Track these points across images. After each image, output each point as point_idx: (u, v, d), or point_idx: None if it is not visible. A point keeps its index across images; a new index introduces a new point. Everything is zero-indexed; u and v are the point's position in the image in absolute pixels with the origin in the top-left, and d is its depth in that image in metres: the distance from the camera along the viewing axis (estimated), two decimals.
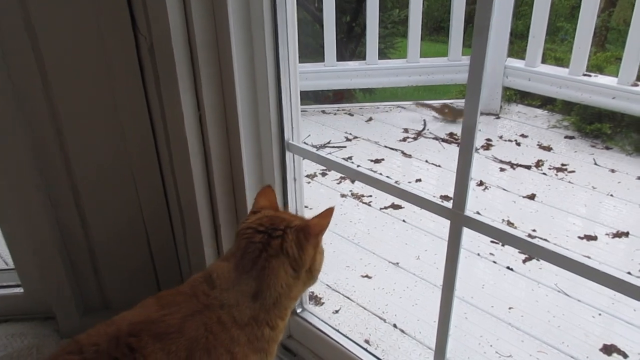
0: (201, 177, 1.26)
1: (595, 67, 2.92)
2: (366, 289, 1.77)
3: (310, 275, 1.06)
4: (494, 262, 1.87)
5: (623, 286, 0.87)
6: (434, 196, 2.23)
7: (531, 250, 1.03)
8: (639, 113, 2.51)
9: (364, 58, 3.07)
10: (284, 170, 1.34)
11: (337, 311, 1.67)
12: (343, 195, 2.27)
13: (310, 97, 3.94)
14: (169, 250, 1.45)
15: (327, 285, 1.77)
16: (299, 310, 1.45)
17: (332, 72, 3.06)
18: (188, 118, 1.19)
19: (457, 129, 2.82)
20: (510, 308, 1.69)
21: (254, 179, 1.31)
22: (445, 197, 2.21)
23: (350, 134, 2.82)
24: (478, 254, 1.91)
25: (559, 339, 1.56)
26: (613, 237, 2.00)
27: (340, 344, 1.36)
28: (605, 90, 2.56)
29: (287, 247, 1.01)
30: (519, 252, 1.89)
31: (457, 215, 1.04)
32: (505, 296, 1.74)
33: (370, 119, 3.03)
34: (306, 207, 2.14)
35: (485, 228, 1.04)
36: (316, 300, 1.69)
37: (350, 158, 2.57)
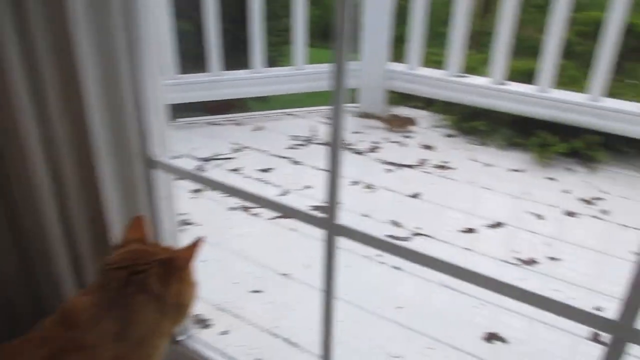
0: (51, 201, 1.13)
1: (472, 68, 3.10)
2: (256, 305, 1.72)
3: (178, 311, 1.00)
4: (382, 262, 1.90)
5: (496, 285, 0.90)
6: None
7: (401, 254, 1.04)
8: (508, 110, 2.68)
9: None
10: (151, 189, 1.25)
11: (225, 332, 1.60)
12: (232, 209, 2.20)
13: (199, 109, 3.82)
14: (22, 289, 1.28)
15: (215, 305, 1.69)
16: (180, 338, 1.37)
17: (219, 82, 2.98)
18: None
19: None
20: (398, 307, 1.72)
21: (118, 201, 1.21)
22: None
23: (239, 144, 2.76)
24: (366, 256, 1.93)
25: (446, 333, 1.61)
26: (489, 228, 2.11)
27: None
28: (478, 89, 2.72)
29: (150, 282, 0.94)
30: None
31: (330, 225, 1.03)
32: (393, 296, 1.77)
33: (260, 127, 2.99)
34: (190, 224, 2.07)
35: (357, 236, 1.04)
36: (202, 323, 1.61)
37: (238, 169, 2.51)
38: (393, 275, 1.86)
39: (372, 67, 2.95)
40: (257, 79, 3.03)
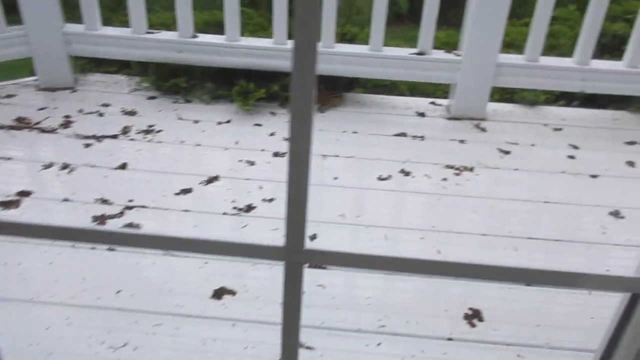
0: None
1: (161, 24, 2.91)
2: None
3: None
4: (93, 248, 1.67)
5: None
6: None
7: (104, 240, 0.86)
8: (203, 62, 2.63)
9: None
10: None
11: None
12: None
13: None
14: None
15: None
16: None
17: None
18: None
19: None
20: (118, 292, 1.54)
21: None
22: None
23: None
24: (73, 246, 1.67)
25: (172, 302, 1.51)
26: (206, 184, 2.05)
27: None
28: (170, 45, 2.58)
29: None
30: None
31: None
32: (110, 282, 1.57)
33: None
34: None
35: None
36: None
37: None
38: (106, 259, 1.65)
39: (42, 32, 2.52)
40: None
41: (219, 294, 1.55)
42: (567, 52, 2.73)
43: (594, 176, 2.19)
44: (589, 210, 2.00)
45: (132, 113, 2.51)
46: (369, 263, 0.75)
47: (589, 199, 2.05)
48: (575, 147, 2.38)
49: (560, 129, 2.53)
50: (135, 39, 2.59)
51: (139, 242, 0.82)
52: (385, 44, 2.60)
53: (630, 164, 2.27)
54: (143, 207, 1.90)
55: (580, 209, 2.01)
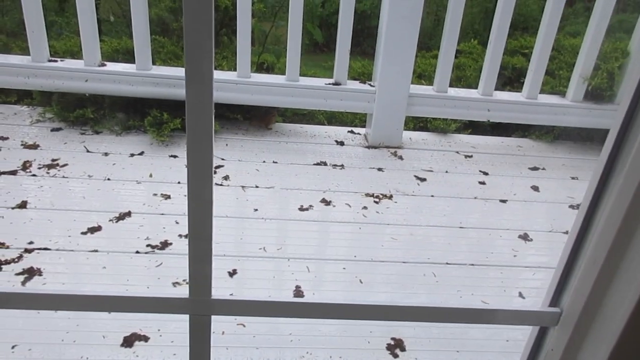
0: None
1: (70, 52, 2.77)
2: None
3: None
4: None
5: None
6: None
7: None
8: (110, 92, 2.51)
9: None
10: None
11: None
12: None
13: None
14: None
15: None
16: None
17: None
18: None
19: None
20: (13, 346, 1.38)
21: None
22: None
23: None
24: None
25: (76, 354, 1.38)
26: (117, 221, 1.93)
27: None
28: (74, 73, 2.44)
29: None
30: None
31: None
32: (4, 335, 1.42)
33: None
34: None
35: None
36: None
37: None
38: None
39: None
40: None
41: (129, 341, 1.44)
42: (473, 84, 2.89)
43: (503, 201, 2.30)
44: (500, 233, 2.08)
45: (33, 146, 2.33)
46: (282, 310, 0.71)
47: (500, 223, 2.14)
48: (485, 174, 2.50)
49: (470, 156, 2.65)
50: (36, 67, 2.43)
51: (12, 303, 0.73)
52: (304, 73, 2.62)
53: (535, 188, 2.41)
54: (45, 249, 1.75)
55: (493, 232, 2.09)
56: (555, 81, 2.83)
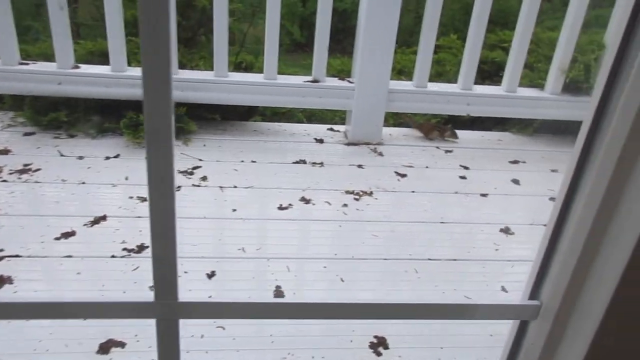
0: None
1: (42, 55, 2.70)
2: None
3: None
4: None
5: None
6: None
7: None
8: (90, 94, 2.45)
9: None
10: None
11: None
12: None
13: None
14: None
15: None
16: None
17: None
18: None
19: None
20: None
21: None
22: None
23: None
24: None
25: None
26: (92, 225, 1.88)
27: None
28: (47, 76, 2.38)
29: None
30: None
31: None
32: None
33: None
34: None
35: None
36: None
37: None
38: None
39: None
40: None
41: (105, 347, 1.40)
42: (453, 79, 2.88)
43: (484, 195, 2.29)
44: (481, 228, 2.08)
45: (4, 152, 2.27)
46: (259, 312, 0.69)
47: (481, 217, 2.14)
48: (466, 168, 2.49)
49: (451, 151, 2.64)
50: (7, 70, 2.36)
51: None
52: (284, 72, 2.59)
53: (515, 181, 2.41)
54: (16, 256, 1.70)
55: (474, 227, 2.08)
56: (533, 74, 2.84)
